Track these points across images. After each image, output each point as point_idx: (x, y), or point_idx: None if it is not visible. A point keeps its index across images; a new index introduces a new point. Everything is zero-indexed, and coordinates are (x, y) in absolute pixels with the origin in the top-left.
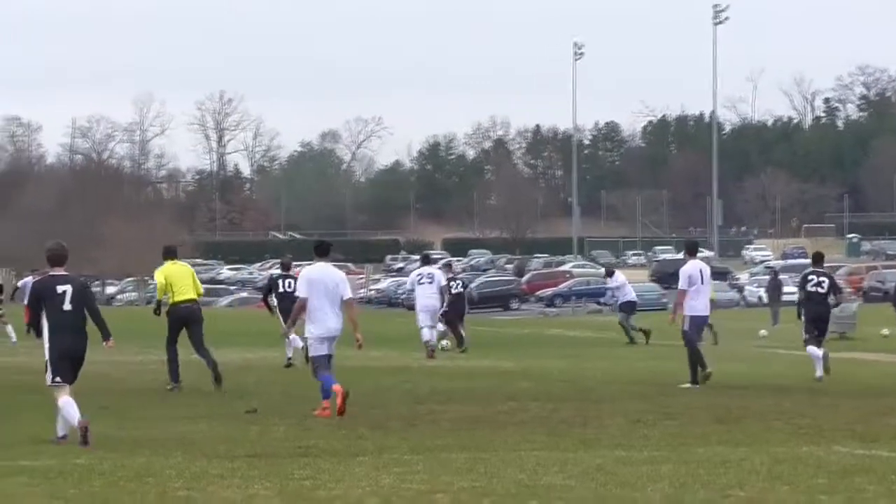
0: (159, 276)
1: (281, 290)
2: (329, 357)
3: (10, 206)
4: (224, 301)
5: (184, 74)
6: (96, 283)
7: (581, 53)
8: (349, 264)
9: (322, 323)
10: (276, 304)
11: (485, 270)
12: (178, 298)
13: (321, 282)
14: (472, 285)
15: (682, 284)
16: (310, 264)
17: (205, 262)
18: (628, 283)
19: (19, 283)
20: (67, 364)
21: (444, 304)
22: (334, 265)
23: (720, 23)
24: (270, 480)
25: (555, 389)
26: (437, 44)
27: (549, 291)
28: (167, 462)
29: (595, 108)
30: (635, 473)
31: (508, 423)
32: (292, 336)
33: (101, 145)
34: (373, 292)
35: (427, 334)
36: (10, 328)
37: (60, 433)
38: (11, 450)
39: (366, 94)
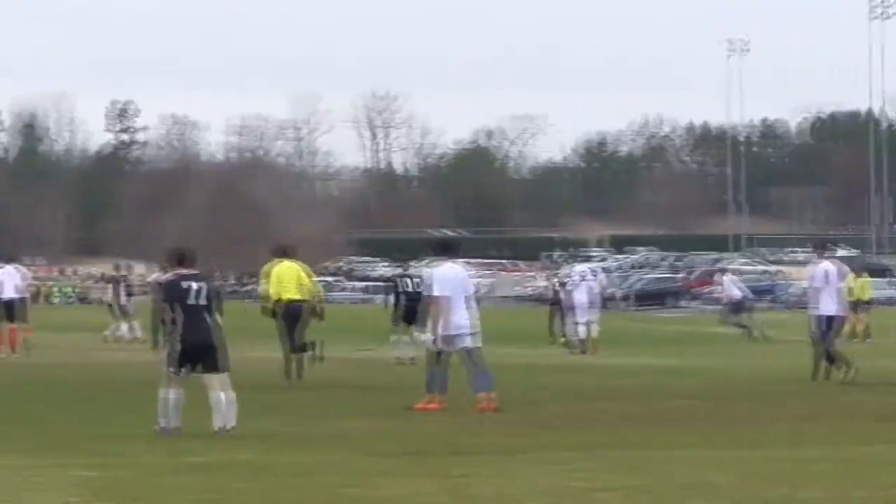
0: (265, 274)
1: (402, 289)
2: (472, 350)
3: (174, 204)
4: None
5: (346, 71)
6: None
7: (743, 50)
8: (507, 262)
9: (454, 320)
10: (395, 303)
11: (645, 268)
12: (283, 296)
13: (453, 280)
14: (632, 283)
15: (807, 284)
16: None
17: (364, 259)
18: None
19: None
20: (188, 356)
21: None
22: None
23: (883, 18)
24: (430, 478)
25: (718, 387)
26: (599, 40)
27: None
28: (331, 459)
29: (756, 105)
30: (798, 471)
31: (671, 420)
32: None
33: (263, 143)
34: (537, 290)
35: (582, 331)
36: (127, 326)
37: (162, 424)
38: (178, 446)
39: (527, 91)
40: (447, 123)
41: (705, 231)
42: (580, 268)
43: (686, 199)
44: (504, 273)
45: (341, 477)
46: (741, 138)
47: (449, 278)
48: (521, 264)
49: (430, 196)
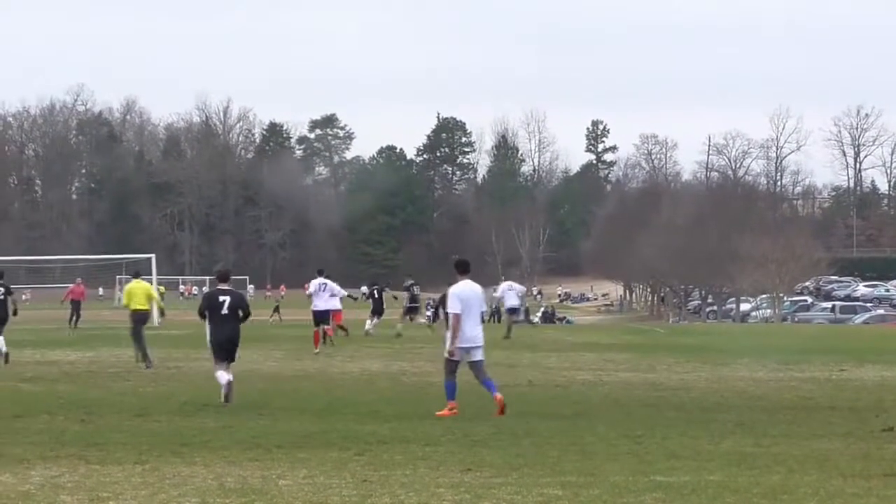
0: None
1: None
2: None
3: (648, 223)
4: (859, 318)
5: (821, 88)
6: (731, 299)
7: None
8: None
9: (464, 334)
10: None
11: None
12: (134, 307)
13: (469, 297)
14: None
15: None
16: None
17: (840, 279)
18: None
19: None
20: (223, 350)
21: None
22: None
23: None
24: None
25: None
26: None
27: None
28: (802, 480)
29: None
30: None
31: None
32: None
33: (736, 162)
34: None
35: None
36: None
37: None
38: (648, 465)
39: None
40: None
41: None
42: None
43: None
44: None
45: (811, 498)
46: None
47: (465, 296)
48: None
49: None
